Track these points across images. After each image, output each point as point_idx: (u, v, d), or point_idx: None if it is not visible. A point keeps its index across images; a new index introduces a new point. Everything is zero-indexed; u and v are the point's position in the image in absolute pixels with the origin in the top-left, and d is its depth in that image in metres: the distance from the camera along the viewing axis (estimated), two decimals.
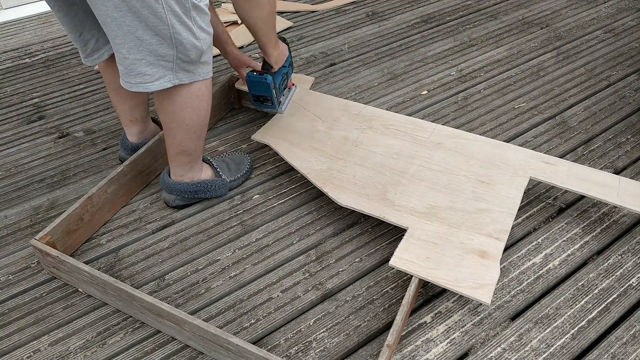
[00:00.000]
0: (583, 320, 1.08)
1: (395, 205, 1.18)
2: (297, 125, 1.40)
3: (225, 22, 2.15)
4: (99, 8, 0.97)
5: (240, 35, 2.06)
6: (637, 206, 1.17)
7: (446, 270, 1.05)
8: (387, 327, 1.08)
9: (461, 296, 1.13)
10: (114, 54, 1.11)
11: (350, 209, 1.21)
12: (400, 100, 1.70)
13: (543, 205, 1.33)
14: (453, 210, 1.17)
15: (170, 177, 1.30)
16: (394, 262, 1.06)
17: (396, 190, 1.22)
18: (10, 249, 1.27)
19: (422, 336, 1.06)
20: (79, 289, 1.16)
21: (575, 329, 1.06)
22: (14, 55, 2.04)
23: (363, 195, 1.20)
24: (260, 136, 1.38)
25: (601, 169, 1.42)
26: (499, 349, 1.03)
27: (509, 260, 1.20)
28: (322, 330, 1.08)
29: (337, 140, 1.36)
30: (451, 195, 1.20)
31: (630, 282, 1.14)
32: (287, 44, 1.44)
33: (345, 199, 1.20)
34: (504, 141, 1.36)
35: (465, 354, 1.03)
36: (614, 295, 1.12)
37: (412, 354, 1.03)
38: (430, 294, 1.14)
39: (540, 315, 1.09)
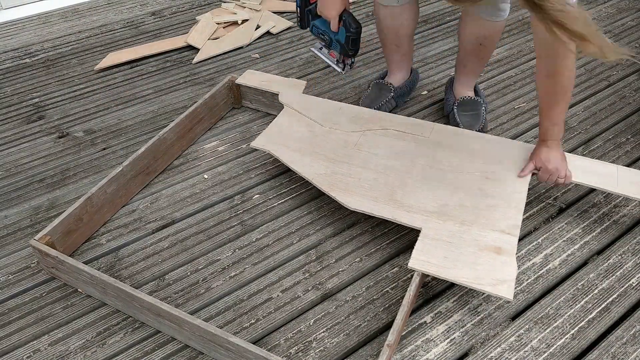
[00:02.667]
0: (583, 320, 1.08)
1: (404, 205, 1.18)
2: (295, 130, 1.40)
3: (225, 22, 2.15)
4: None
5: (240, 35, 2.06)
6: (636, 194, 1.18)
7: (464, 269, 1.05)
8: (387, 327, 1.08)
9: (461, 296, 1.12)
10: None
11: (353, 210, 1.21)
12: None
13: (543, 206, 1.33)
14: (463, 207, 1.17)
15: None
16: (412, 264, 1.06)
17: (403, 191, 1.21)
18: (10, 249, 1.27)
19: (422, 336, 1.06)
20: (79, 289, 1.16)
21: (575, 329, 1.06)
22: (14, 55, 2.04)
23: (371, 198, 1.20)
24: (259, 143, 1.38)
25: None
26: (499, 349, 1.03)
27: None
28: (322, 330, 1.08)
29: (337, 144, 1.36)
30: (459, 193, 1.20)
31: (630, 282, 1.14)
32: (353, 35, 1.33)
33: (354, 202, 1.19)
34: None
35: (465, 354, 1.03)
36: (614, 295, 1.12)
37: (412, 354, 1.03)
38: (431, 294, 1.14)
39: (540, 315, 1.09)
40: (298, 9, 1.41)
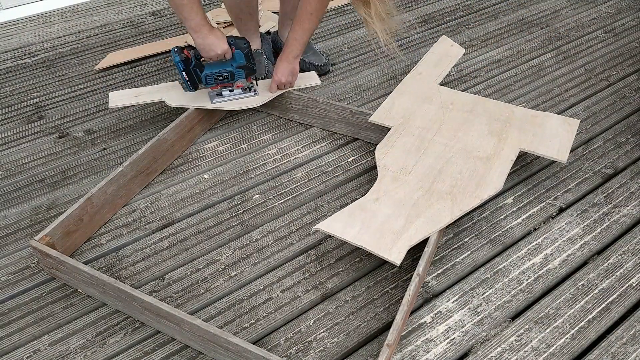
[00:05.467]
0: (583, 320, 1.08)
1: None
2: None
3: (225, 23, 2.15)
4: None
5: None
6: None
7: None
8: (387, 327, 1.08)
9: (461, 296, 1.13)
10: None
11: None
12: None
13: (543, 206, 1.33)
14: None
15: None
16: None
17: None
18: (10, 249, 1.27)
19: (422, 336, 1.06)
20: (79, 290, 1.16)
21: (575, 329, 1.06)
22: (14, 55, 2.04)
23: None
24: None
25: (601, 169, 1.42)
26: (499, 349, 1.03)
27: (509, 260, 1.20)
28: (322, 330, 1.08)
29: None
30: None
31: (630, 282, 1.14)
32: (247, 50, 1.46)
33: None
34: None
35: (465, 354, 1.03)
36: (614, 295, 1.12)
37: (412, 354, 1.03)
38: (430, 294, 1.14)
39: (540, 315, 1.09)
40: (183, 73, 1.46)
